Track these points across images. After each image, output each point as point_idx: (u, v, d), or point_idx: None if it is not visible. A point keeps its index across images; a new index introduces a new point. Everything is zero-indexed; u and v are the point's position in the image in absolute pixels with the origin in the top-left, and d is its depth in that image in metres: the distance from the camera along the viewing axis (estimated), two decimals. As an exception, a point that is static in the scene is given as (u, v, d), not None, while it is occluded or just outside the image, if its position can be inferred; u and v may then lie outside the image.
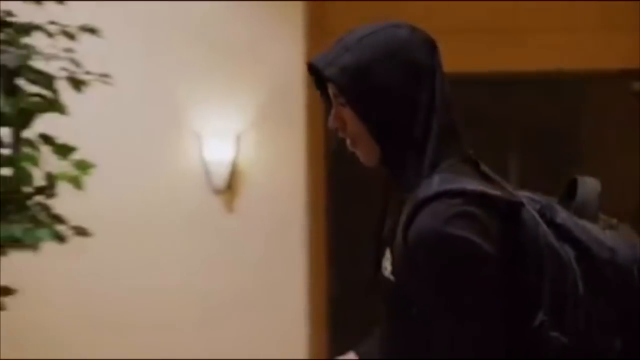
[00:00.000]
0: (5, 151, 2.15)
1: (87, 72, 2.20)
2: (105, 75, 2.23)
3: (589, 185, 1.24)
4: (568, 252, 1.11)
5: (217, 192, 3.26)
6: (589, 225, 1.15)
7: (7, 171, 2.12)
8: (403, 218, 1.13)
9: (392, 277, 1.21)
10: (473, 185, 1.11)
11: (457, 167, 1.16)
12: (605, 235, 1.15)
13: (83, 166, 2.18)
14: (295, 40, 3.30)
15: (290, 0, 3.33)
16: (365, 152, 1.26)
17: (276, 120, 3.30)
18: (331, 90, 1.25)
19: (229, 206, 3.30)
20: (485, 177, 1.20)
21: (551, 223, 1.14)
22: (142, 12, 3.23)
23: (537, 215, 1.13)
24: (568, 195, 1.23)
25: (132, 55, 3.19)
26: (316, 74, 1.26)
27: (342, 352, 1.40)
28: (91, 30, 2.17)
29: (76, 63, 2.16)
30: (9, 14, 2.18)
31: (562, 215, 1.15)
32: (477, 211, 1.07)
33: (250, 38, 3.32)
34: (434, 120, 1.20)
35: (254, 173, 3.30)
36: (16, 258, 2.25)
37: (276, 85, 3.30)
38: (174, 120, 3.29)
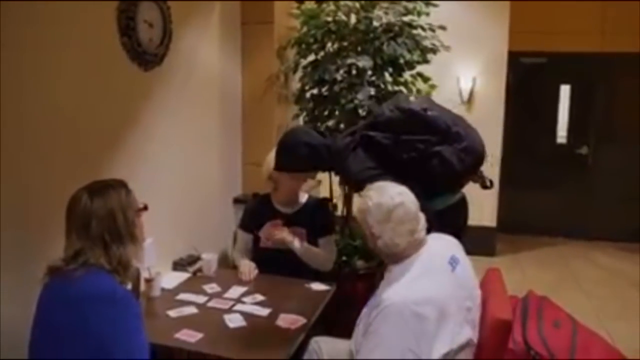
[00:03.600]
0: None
1: (443, 46, 4.66)
2: (447, 47, 4.75)
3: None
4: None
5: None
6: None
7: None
8: None
9: None
10: None
11: None
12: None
13: (433, 86, 4.88)
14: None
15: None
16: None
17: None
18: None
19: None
20: None
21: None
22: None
23: None
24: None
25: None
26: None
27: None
28: (442, 28, 4.74)
29: (439, 42, 4.68)
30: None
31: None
32: None
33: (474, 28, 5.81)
34: None
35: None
36: None
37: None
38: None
